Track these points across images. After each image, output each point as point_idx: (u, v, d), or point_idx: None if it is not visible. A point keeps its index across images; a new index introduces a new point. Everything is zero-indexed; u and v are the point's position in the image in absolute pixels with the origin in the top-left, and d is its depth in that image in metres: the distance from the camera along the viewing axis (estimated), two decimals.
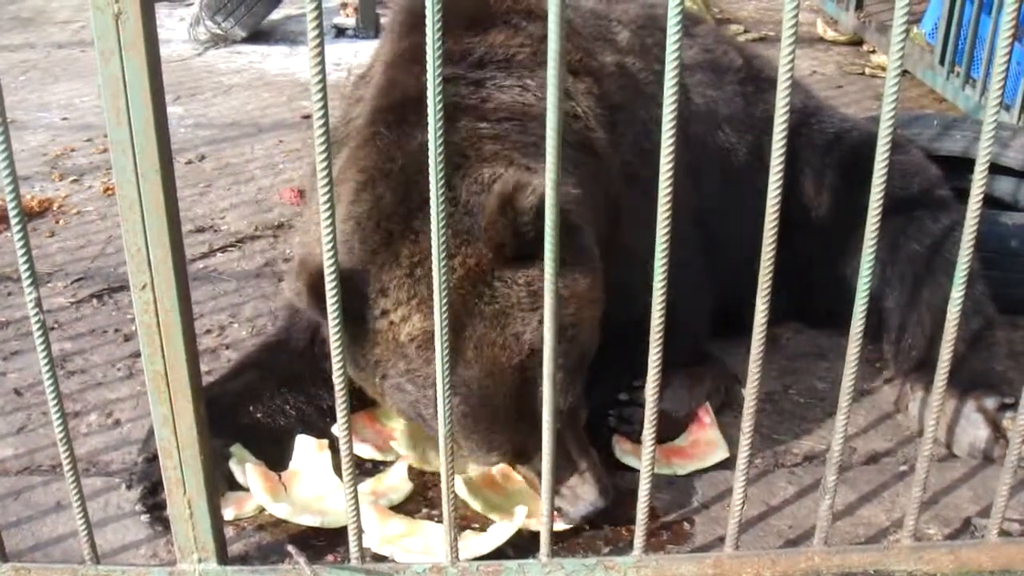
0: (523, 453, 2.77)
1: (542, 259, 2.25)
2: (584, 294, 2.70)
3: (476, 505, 2.94)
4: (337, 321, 2.29)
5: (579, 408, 2.83)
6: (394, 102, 2.97)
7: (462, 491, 2.93)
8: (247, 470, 2.98)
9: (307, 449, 3.11)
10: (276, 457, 3.10)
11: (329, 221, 2.17)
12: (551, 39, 2.02)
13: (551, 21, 2.01)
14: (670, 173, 2.14)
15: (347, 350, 2.81)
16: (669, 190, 2.15)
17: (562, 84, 2.08)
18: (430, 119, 2.08)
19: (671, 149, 2.12)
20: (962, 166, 4.15)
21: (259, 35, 8.01)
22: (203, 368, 3.62)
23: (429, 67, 2.04)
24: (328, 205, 2.15)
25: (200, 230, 4.86)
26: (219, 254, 4.65)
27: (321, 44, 2.03)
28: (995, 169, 4.66)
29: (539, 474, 2.58)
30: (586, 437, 2.88)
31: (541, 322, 2.49)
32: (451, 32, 2.57)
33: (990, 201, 4.68)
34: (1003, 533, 2.71)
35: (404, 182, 2.73)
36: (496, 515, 2.92)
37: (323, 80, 2.06)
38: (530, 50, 3.14)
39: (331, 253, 2.21)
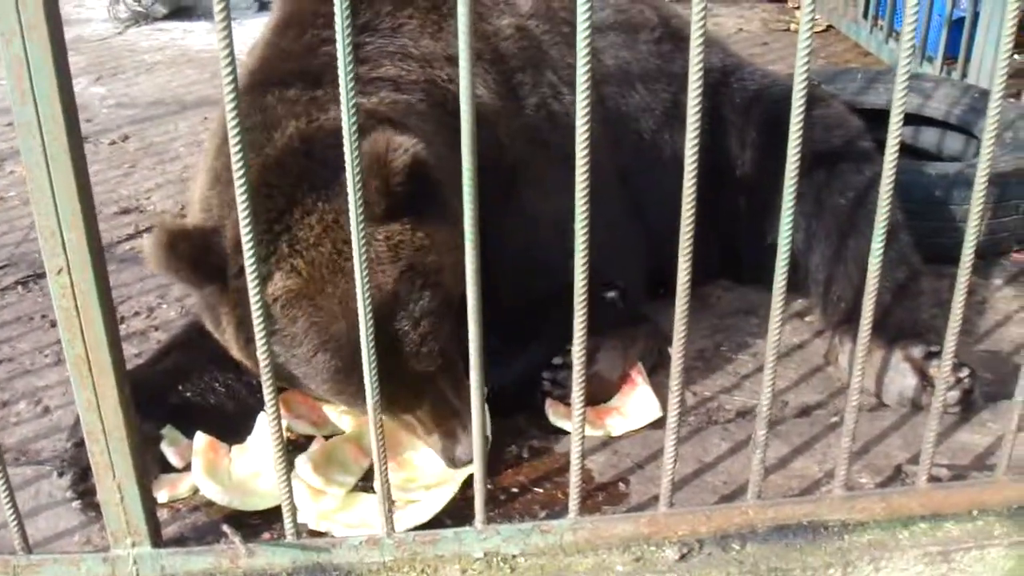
0: (397, 402, 2.75)
1: (405, 215, 2.56)
2: (444, 242, 2.70)
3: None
4: (257, 291, 2.26)
5: (453, 352, 2.80)
6: (264, 65, 3.01)
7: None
8: (195, 437, 2.97)
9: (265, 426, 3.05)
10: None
11: (244, 192, 2.14)
12: (460, 10, 2.01)
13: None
14: (586, 133, 2.13)
15: (206, 312, 2.86)
16: (586, 150, 2.15)
17: (472, 55, 2.07)
18: (341, 86, 2.06)
19: (586, 109, 2.12)
20: (887, 118, 4.19)
21: (181, 12, 7.90)
22: (133, 350, 3.60)
23: (338, 34, 2.01)
24: (242, 173, 2.12)
25: (125, 211, 4.78)
26: (146, 235, 4.56)
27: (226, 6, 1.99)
28: (919, 120, 4.72)
29: (418, 420, 2.84)
30: (465, 380, 2.84)
31: (403, 272, 2.62)
32: None
33: (915, 152, 4.74)
34: (932, 479, 2.75)
35: (259, 137, 2.72)
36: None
37: (231, 47, 2.02)
38: (417, 22, 3.16)
39: (248, 234, 2.18)
